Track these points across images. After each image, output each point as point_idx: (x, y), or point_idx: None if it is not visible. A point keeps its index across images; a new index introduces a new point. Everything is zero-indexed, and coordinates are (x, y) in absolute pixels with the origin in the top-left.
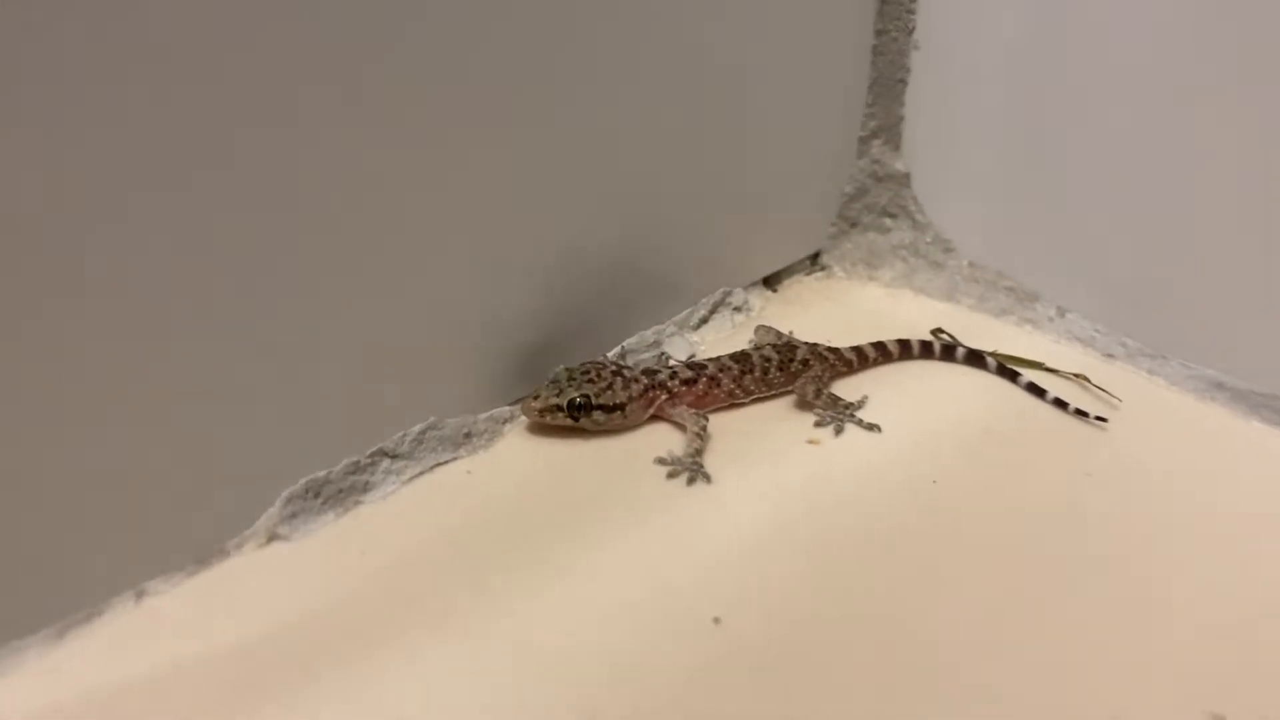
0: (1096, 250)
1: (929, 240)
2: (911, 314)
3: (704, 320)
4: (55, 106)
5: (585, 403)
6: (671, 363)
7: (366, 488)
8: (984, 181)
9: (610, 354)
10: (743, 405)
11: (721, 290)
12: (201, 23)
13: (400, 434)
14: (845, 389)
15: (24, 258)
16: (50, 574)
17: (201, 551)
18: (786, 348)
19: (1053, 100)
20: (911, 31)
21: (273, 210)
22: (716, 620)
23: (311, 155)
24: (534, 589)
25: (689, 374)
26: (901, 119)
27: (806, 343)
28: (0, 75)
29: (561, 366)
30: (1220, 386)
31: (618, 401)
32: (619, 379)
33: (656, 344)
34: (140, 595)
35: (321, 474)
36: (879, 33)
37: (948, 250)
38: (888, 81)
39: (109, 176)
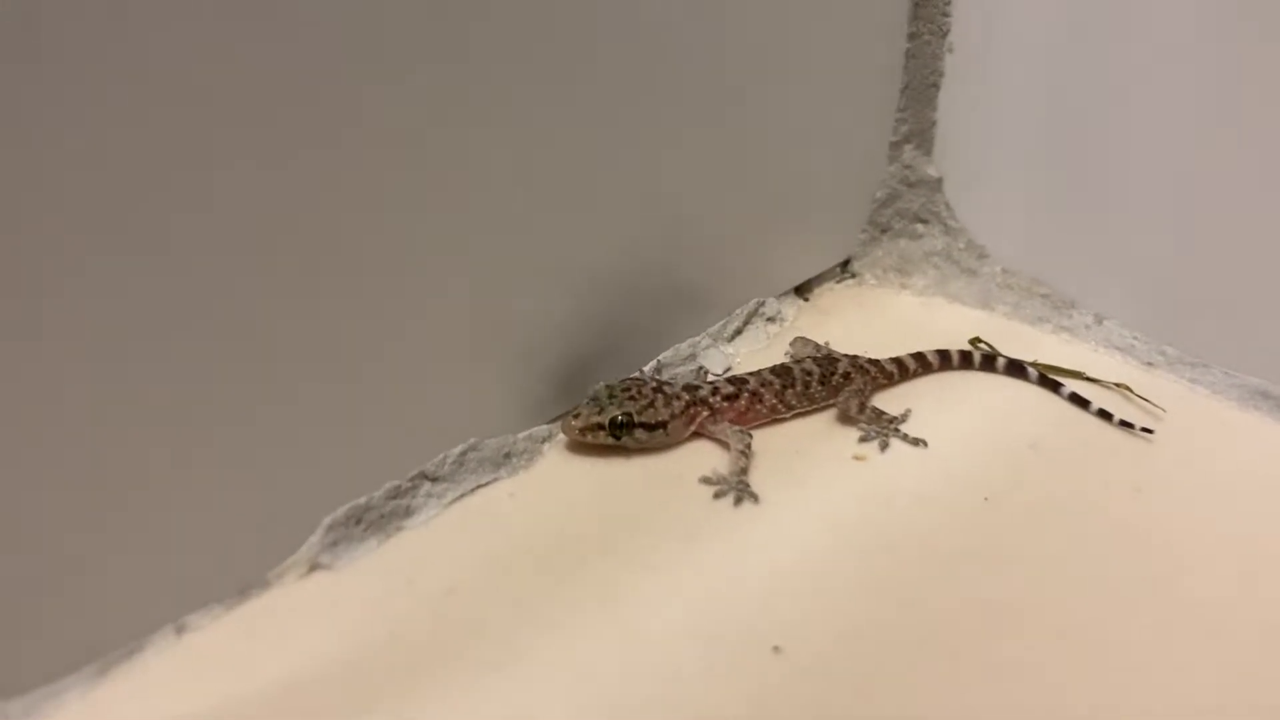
0: (1133, 256)
1: (962, 246)
2: (946, 322)
3: (738, 331)
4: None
5: (627, 421)
6: (710, 377)
7: (408, 512)
8: (1017, 186)
9: (646, 368)
10: (784, 420)
11: (755, 300)
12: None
13: (441, 456)
14: (887, 402)
15: (60, 288)
16: (89, 609)
17: (242, 583)
18: (827, 360)
19: (1088, 103)
20: (946, 34)
21: (310, 233)
22: (777, 649)
23: (349, 173)
24: (588, 619)
25: (730, 389)
26: (934, 123)
27: (846, 355)
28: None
29: (601, 384)
30: (1265, 395)
31: (660, 419)
32: (660, 396)
33: (692, 357)
34: (181, 630)
35: (363, 500)
36: (912, 36)
37: (981, 257)
38: (920, 85)
39: (139, 189)
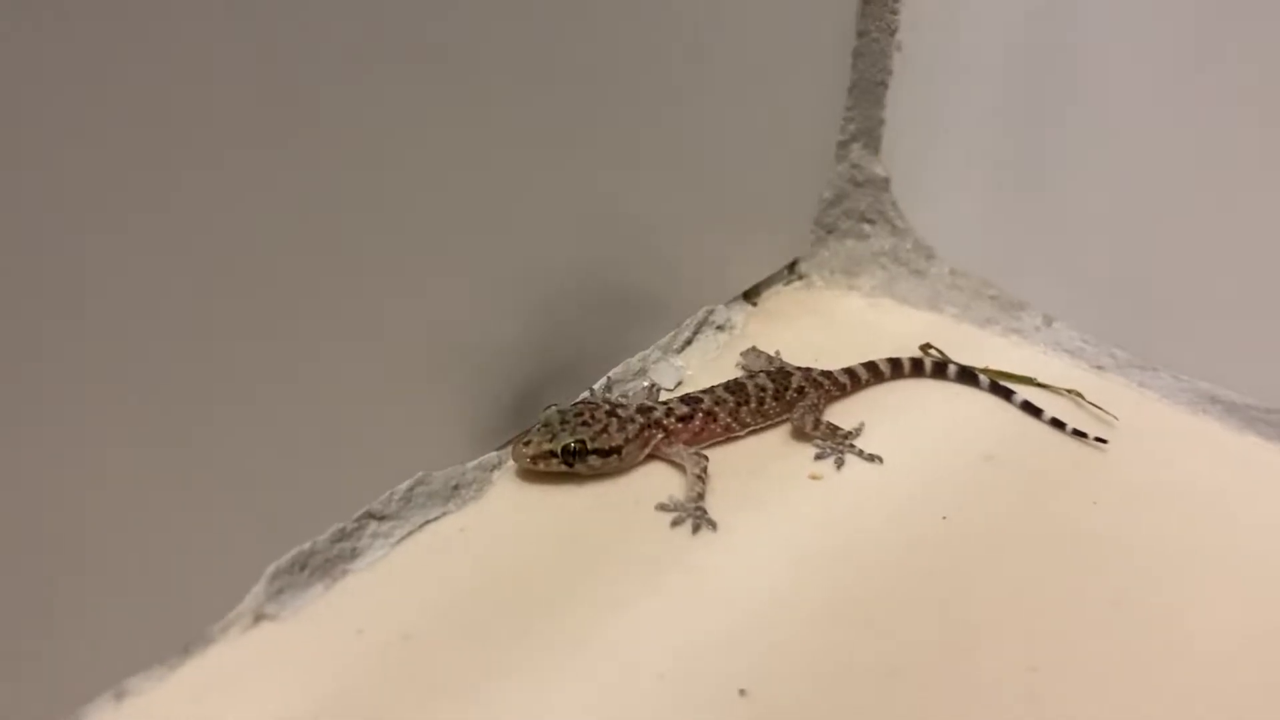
0: (1083, 257)
1: (909, 247)
2: (896, 325)
3: (688, 342)
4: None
5: (580, 448)
6: (663, 396)
7: (354, 555)
8: (966, 186)
9: (596, 386)
10: (739, 438)
11: (704, 309)
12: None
13: (387, 493)
14: (839, 415)
15: None
16: (16, 680)
17: (183, 640)
18: (781, 375)
19: (1038, 103)
20: (894, 32)
21: (240, 261)
22: (742, 692)
23: (274, 185)
24: (548, 665)
25: (684, 410)
26: (882, 122)
27: (800, 368)
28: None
29: (552, 407)
30: (1214, 400)
31: (614, 445)
32: (614, 420)
33: (643, 371)
34: (120, 696)
35: (307, 545)
36: (860, 34)
37: (929, 257)
38: (868, 84)
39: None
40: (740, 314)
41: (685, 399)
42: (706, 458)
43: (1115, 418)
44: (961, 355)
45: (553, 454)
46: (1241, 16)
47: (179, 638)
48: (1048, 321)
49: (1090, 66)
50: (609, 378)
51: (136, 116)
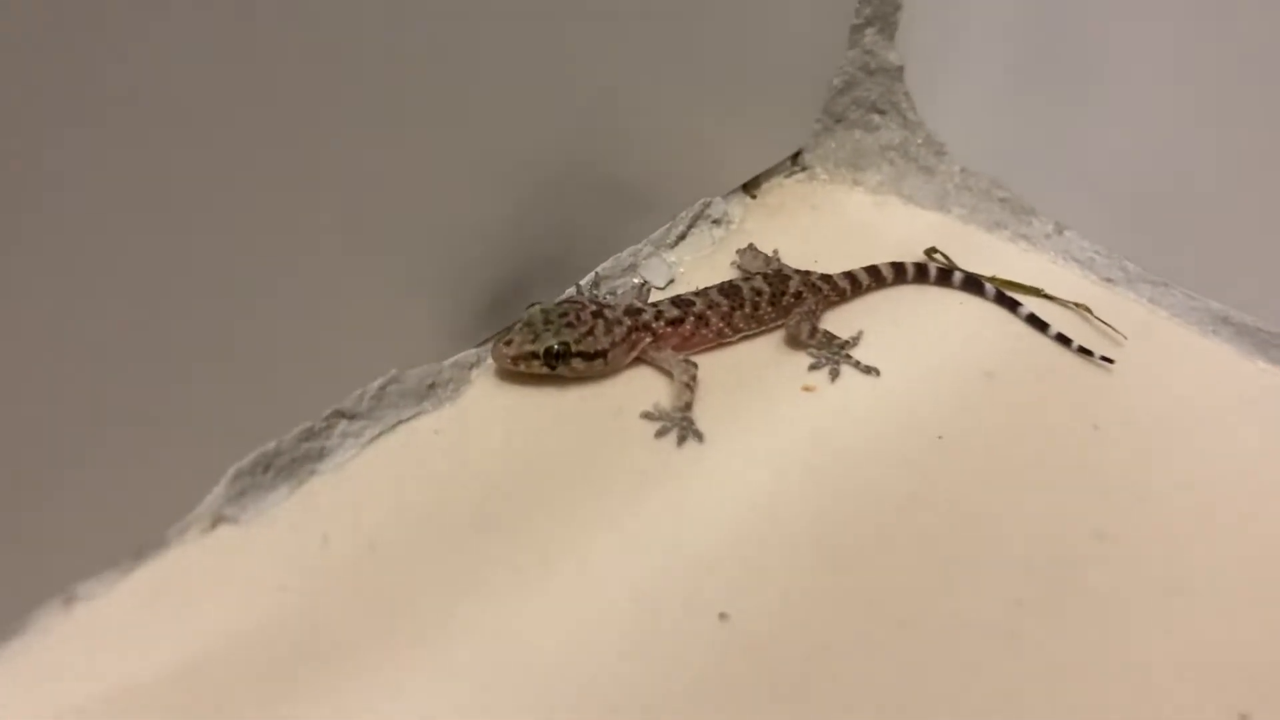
0: (1101, 163)
1: (920, 142)
2: (900, 225)
3: (682, 237)
4: None
5: (564, 350)
6: (653, 296)
7: (321, 455)
8: (984, 79)
9: (583, 282)
10: (730, 344)
11: (701, 201)
12: None
13: (359, 391)
14: (838, 321)
15: None
16: None
17: (137, 543)
18: (778, 278)
19: None
20: None
21: (195, 130)
22: (723, 616)
23: (246, 57)
24: (524, 584)
25: (675, 313)
26: (899, 7)
27: (798, 271)
28: None
29: (536, 306)
30: (1226, 321)
31: (599, 348)
32: (600, 321)
33: (633, 267)
34: (69, 602)
35: (271, 445)
36: None
37: (939, 154)
38: None
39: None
40: (738, 207)
41: (676, 301)
42: (695, 365)
43: (1124, 336)
44: (967, 260)
45: (534, 355)
46: None
47: (132, 540)
48: (1059, 229)
49: None
50: (597, 273)
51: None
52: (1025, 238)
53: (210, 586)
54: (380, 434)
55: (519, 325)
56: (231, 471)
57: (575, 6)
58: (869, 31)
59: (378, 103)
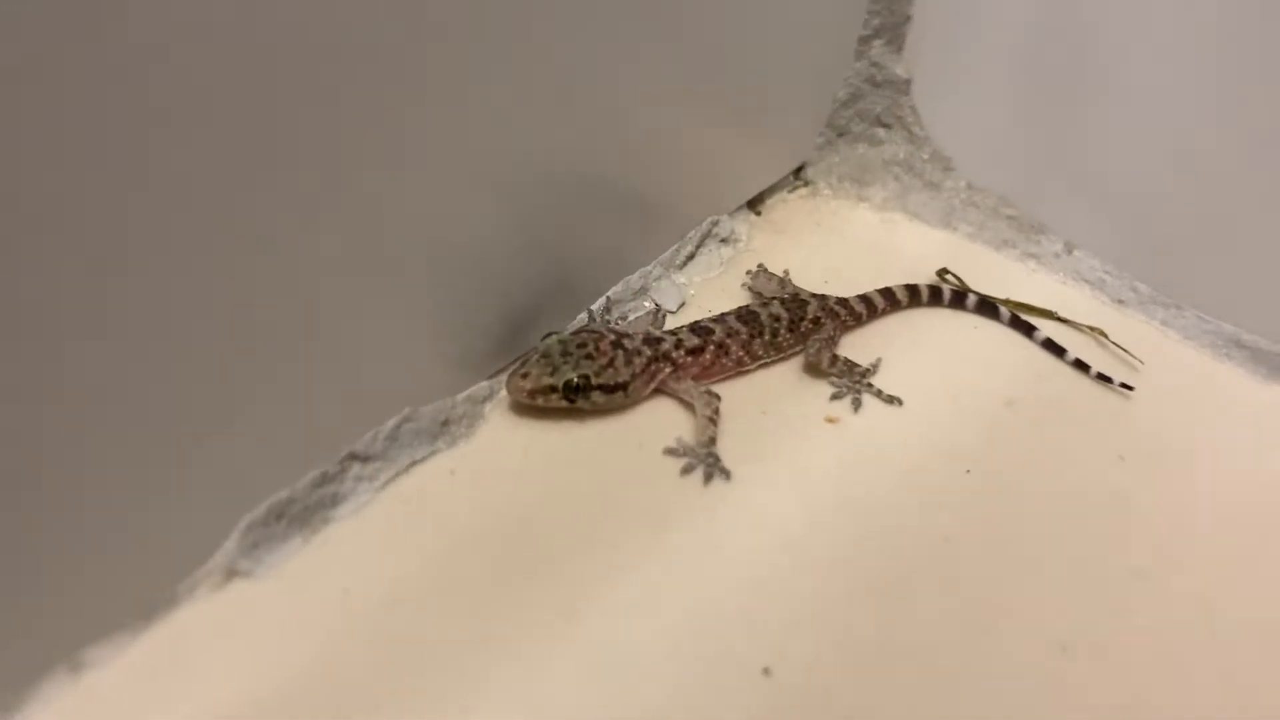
0: (1111, 181)
1: (925, 156)
2: (908, 244)
3: (690, 257)
4: None
5: (584, 384)
6: (668, 323)
7: (335, 501)
8: (992, 94)
9: (595, 306)
10: (748, 371)
11: (709, 220)
12: None
13: (372, 432)
14: (855, 346)
15: None
16: None
17: (146, 603)
18: (795, 303)
19: (1077, 10)
20: None
21: (212, 171)
22: (766, 671)
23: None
24: (550, 638)
25: (695, 341)
26: (908, 19)
27: (815, 295)
28: None
29: (553, 336)
30: (1238, 344)
31: (620, 380)
32: (620, 352)
33: (643, 290)
34: (76, 669)
35: (284, 494)
36: None
37: (946, 169)
38: None
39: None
40: (745, 225)
41: (695, 329)
42: (719, 397)
43: (1140, 362)
44: (976, 280)
45: (553, 389)
46: None
47: (140, 600)
48: (1068, 249)
49: None
50: (608, 298)
51: None
52: (1034, 257)
53: (225, 646)
54: (395, 476)
55: (535, 357)
56: (244, 523)
57: (579, 27)
58: (877, 43)
59: (383, 133)
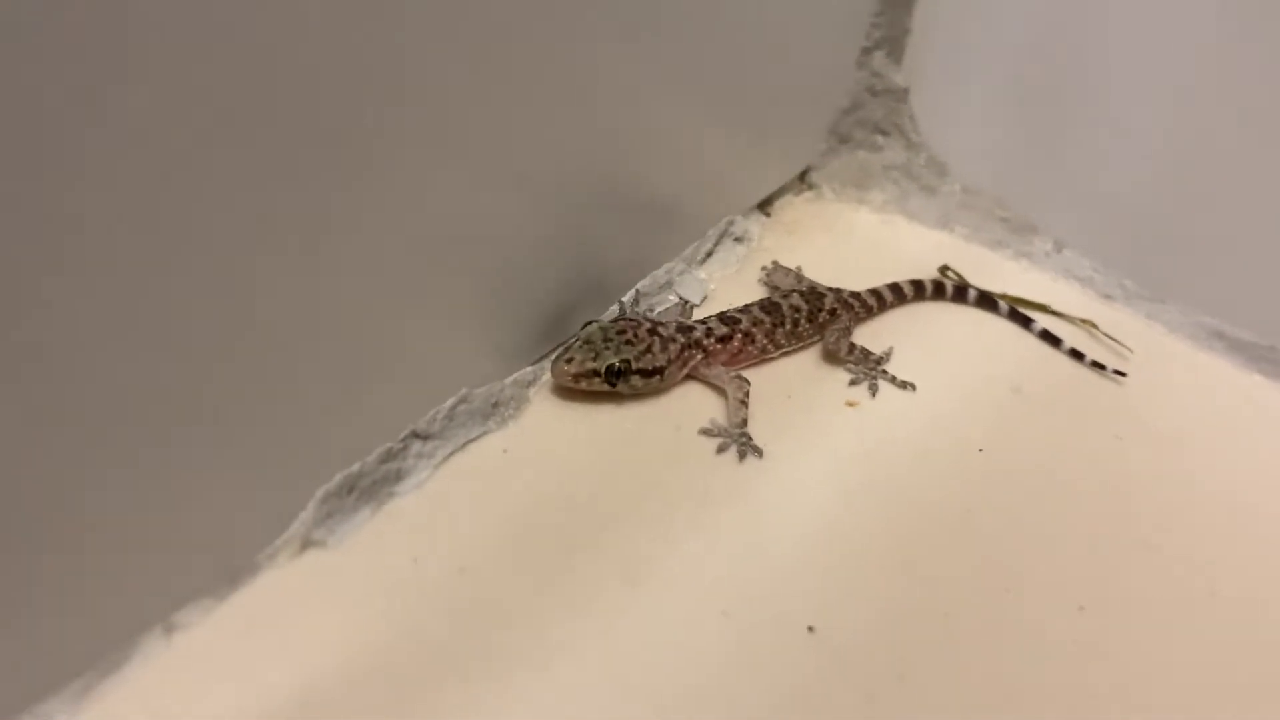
0: (1099, 184)
1: (922, 162)
2: (907, 244)
3: (709, 254)
4: None
5: (625, 368)
6: (696, 314)
7: (399, 476)
8: (985, 103)
9: (625, 298)
10: (772, 359)
11: (725, 220)
12: None
13: (432, 411)
14: (867, 337)
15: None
16: (68, 617)
17: (230, 570)
18: (814, 296)
19: (1068, 21)
20: None
21: (279, 193)
22: (811, 630)
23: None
24: (613, 600)
25: (724, 330)
26: (908, 31)
27: (831, 289)
28: None
29: (593, 324)
30: (1219, 335)
31: (657, 365)
32: (656, 339)
33: (668, 285)
34: (170, 630)
35: (355, 467)
36: None
37: (941, 174)
38: None
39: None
40: (756, 225)
41: (723, 318)
42: (748, 381)
43: (1130, 350)
44: (973, 277)
45: (596, 373)
46: None
47: (225, 567)
48: (1058, 247)
49: None
50: (637, 290)
51: None
52: (1026, 256)
53: (304, 611)
54: (452, 454)
55: (578, 343)
56: (320, 494)
57: (609, 50)
58: (878, 54)
59: (440, 153)
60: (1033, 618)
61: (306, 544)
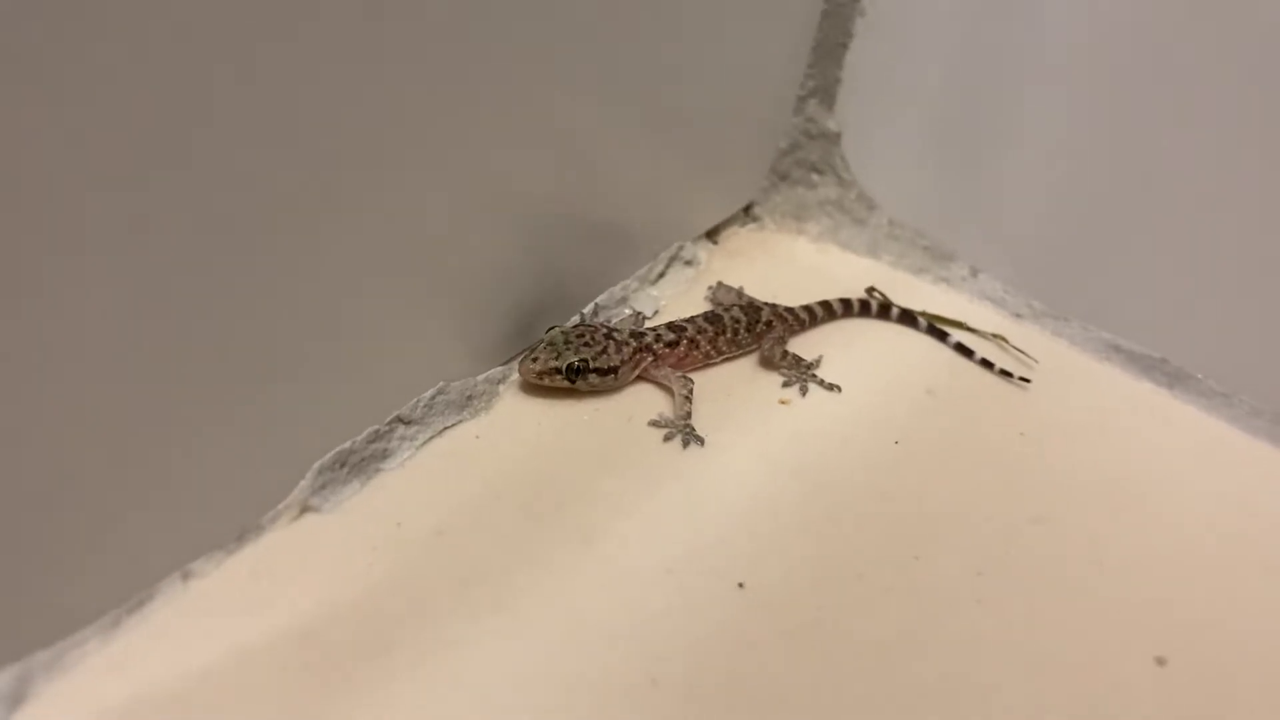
0: (1008, 216)
1: (853, 197)
2: (840, 269)
3: (661, 275)
4: None
5: (583, 366)
6: (648, 324)
7: (385, 455)
8: (909, 145)
9: (585, 310)
10: (715, 365)
11: (676, 244)
12: None
13: (414, 400)
14: (800, 347)
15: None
16: (103, 560)
17: (240, 528)
18: (751, 309)
19: (980, 76)
20: None
21: (276, 184)
22: (741, 585)
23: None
24: (572, 559)
25: (671, 336)
26: (839, 81)
27: (767, 304)
28: None
29: (556, 329)
30: (1116, 349)
31: (612, 365)
32: (611, 342)
33: (624, 300)
34: (187, 576)
35: (347, 444)
36: None
37: (870, 208)
38: (830, 44)
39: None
40: (704, 251)
41: (671, 326)
42: (692, 380)
43: (1035, 361)
44: (898, 298)
45: (558, 370)
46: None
47: (234, 526)
48: (974, 272)
49: (1028, 46)
50: (596, 304)
51: None
52: (945, 280)
53: (304, 564)
54: (430, 438)
55: (542, 345)
56: (316, 466)
57: (575, 92)
58: (812, 101)
59: (422, 184)
60: (936, 579)
61: (304, 509)
